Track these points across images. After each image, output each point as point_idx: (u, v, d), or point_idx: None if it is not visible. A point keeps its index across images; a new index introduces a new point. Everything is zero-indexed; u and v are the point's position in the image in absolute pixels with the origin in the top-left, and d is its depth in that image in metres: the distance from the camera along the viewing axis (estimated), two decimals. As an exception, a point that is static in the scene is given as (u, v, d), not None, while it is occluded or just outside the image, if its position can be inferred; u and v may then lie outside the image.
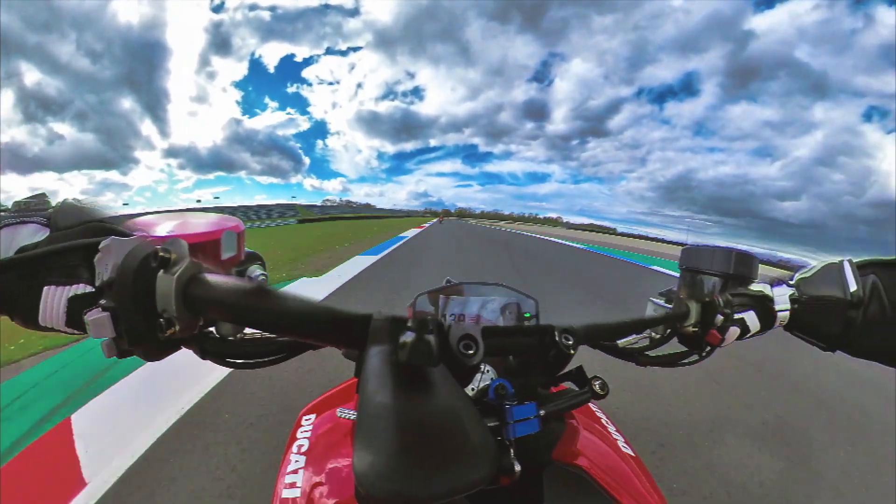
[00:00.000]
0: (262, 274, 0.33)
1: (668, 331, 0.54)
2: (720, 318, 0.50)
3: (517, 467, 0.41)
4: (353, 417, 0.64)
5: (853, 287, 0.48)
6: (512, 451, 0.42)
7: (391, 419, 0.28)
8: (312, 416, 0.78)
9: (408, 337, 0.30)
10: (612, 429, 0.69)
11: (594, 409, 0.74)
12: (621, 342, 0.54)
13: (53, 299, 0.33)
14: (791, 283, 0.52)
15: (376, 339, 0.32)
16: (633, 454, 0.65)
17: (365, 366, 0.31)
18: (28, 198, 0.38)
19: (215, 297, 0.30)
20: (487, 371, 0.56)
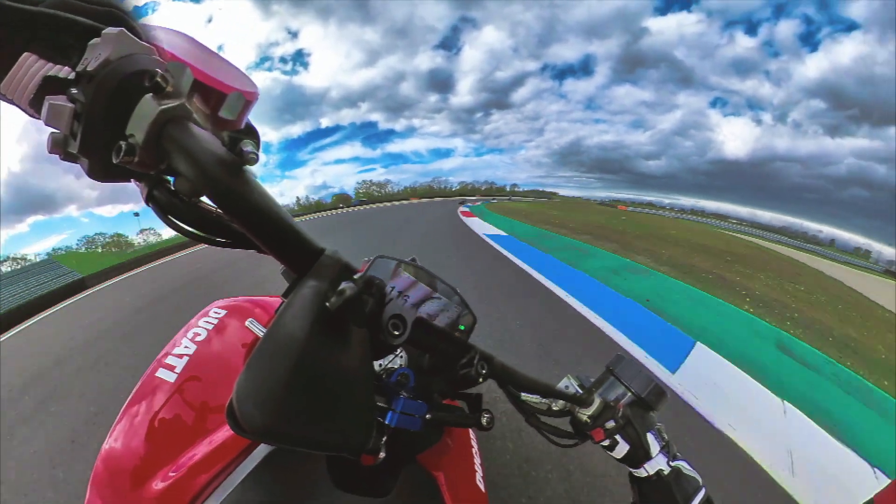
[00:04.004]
0: (253, 152, 0.30)
1: (567, 408, 0.58)
2: (612, 423, 0.56)
3: (382, 453, 0.42)
4: (260, 334, 0.63)
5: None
6: (385, 437, 0.43)
7: (293, 353, 0.28)
8: (223, 313, 0.76)
9: (348, 288, 0.30)
10: (476, 461, 0.72)
11: (472, 436, 0.77)
12: (525, 396, 0.56)
13: (29, 70, 0.29)
14: (671, 463, 0.56)
15: (319, 274, 0.32)
16: (483, 490, 0.68)
17: (295, 292, 0.31)
18: None
19: (190, 149, 0.28)
20: (401, 356, 0.57)
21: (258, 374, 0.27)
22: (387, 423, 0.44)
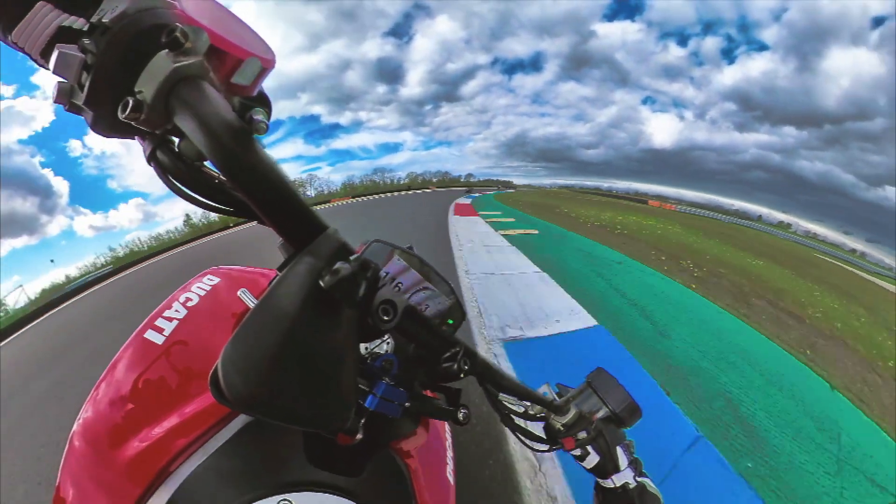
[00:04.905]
0: (263, 121, 0.30)
1: (542, 414, 0.59)
2: (584, 434, 0.57)
3: (360, 435, 0.42)
4: (251, 304, 0.63)
5: None
6: (363, 419, 0.44)
7: (282, 327, 0.28)
8: (216, 280, 0.76)
9: (343, 268, 0.30)
10: (448, 454, 0.73)
11: (447, 430, 0.78)
12: (503, 396, 0.57)
13: (43, 19, 0.28)
14: (637, 479, 0.58)
15: (316, 251, 0.32)
16: (451, 482, 0.69)
17: (290, 266, 0.31)
18: None
19: (201, 112, 0.27)
20: (388, 342, 0.58)
21: (245, 344, 0.28)
22: (366, 405, 0.45)
